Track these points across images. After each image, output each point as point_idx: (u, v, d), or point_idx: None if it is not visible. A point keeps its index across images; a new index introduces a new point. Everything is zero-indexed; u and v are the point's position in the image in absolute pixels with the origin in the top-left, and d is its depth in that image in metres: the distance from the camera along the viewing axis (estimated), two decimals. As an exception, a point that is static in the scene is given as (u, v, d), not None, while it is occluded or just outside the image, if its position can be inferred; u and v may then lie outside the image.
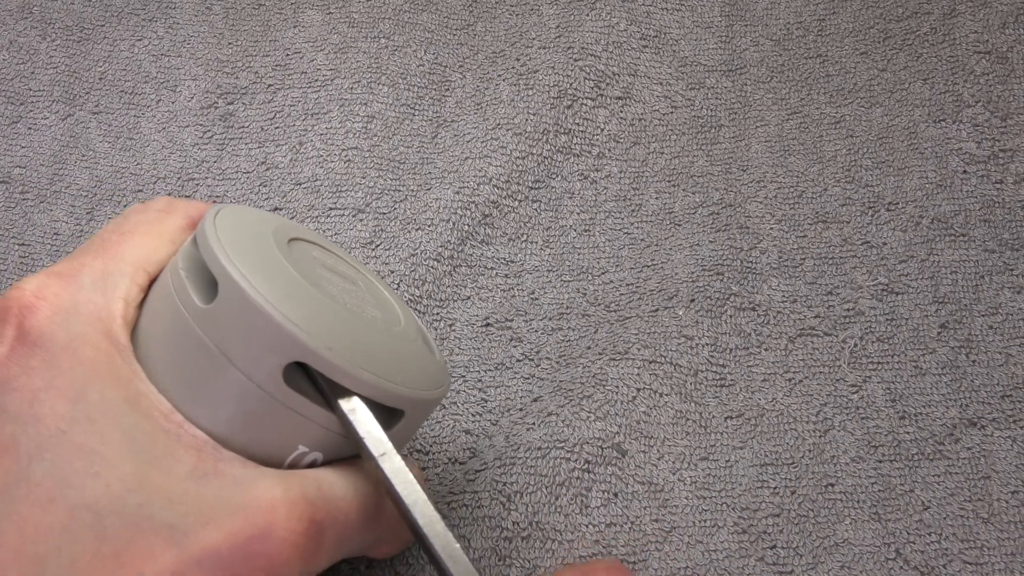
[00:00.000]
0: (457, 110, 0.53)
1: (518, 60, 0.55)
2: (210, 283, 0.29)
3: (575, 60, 0.54)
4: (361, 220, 0.49)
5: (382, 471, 0.28)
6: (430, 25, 0.56)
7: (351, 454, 0.31)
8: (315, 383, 0.29)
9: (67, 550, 0.25)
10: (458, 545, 0.26)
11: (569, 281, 0.48)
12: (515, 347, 0.46)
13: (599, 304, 0.47)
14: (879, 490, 0.42)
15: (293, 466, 0.30)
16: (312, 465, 0.30)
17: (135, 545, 0.25)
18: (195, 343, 0.28)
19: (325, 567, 0.29)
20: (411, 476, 0.28)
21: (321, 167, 0.51)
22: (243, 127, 0.53)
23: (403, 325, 0.34)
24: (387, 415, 0.31)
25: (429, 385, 0.32)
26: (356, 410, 0.28)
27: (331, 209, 0.49)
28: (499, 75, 0.54)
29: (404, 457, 0.33)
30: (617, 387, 0.44)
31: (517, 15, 0.57)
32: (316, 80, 0.54)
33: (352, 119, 0.53)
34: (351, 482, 0.30)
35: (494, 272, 0.48)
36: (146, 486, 0.26)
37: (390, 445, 0.28)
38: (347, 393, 0.29)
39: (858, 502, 0.41)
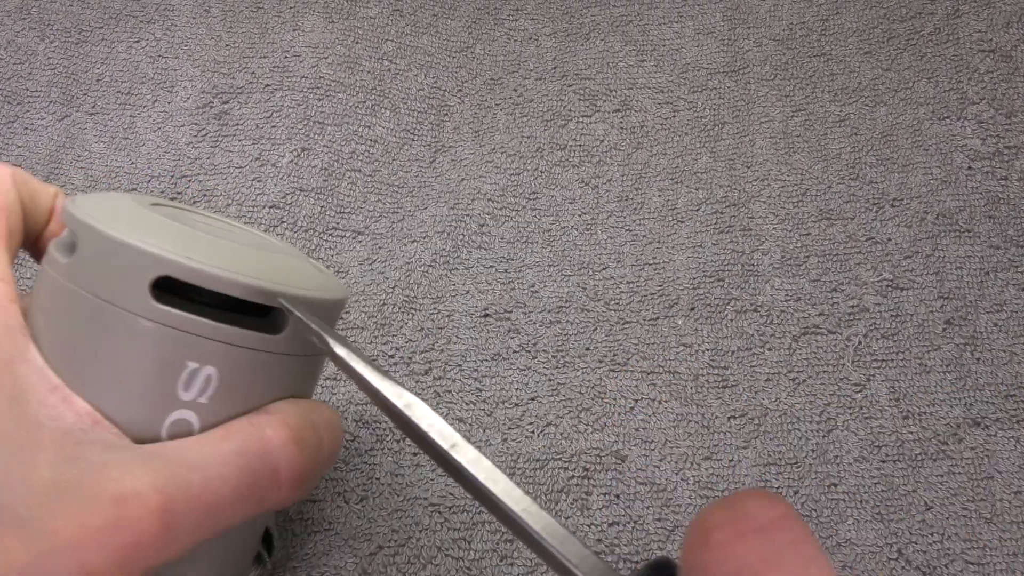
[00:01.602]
0: (455, 136, 0.53)
1: (515, 90, 0.55)
2: (74, 245, 0.30)
3: (568, 86, 0.55)
4: (360, 241, 0.49)
5: (459, 464, 0.26)
6: (430, 48, 0.57)
7: (251, 364, 0.31)
8: (192, 300, 0.29)
9: None
10: (577, 541, 0.24)
11: (570, 275, 0.48)
12: (512, 338, 0.46)
13: (599, 300, 0.47)
14: (882, 490, 0.41)
15: (190, 385, 0.30)
16: (208, 382, 0.30)
17: None
18: (68, 297, 0.29)
19: (190, 547, 0.29)
20: (487, 463, 0.26)
21: (325, 181, 0.51)
22: (238, 124, 0.53)
23: (281, 247, 0.34)
24: (269, 315, 0.31)
25: (312, 287, 0.32)
26: (412, 405, 0.27)
27: (333, 229, 0.50)
28: (496, 104, 0.54)
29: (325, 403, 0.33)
30: (615, 399, 0.44)
31: (515, 41, 0.57)
32: (319, 87, 0.54)
33: (356, 140, 0.53)
34: (219, 460, 0.29)
35: (493, 269, 0.48)
36: (5, 480, 0.26)
37: (458, 436, 0.27)
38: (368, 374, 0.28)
39: (861, 502, 0.41)
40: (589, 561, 0.23)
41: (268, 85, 0.54)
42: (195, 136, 0.52)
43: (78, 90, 0.55)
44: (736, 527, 0.19)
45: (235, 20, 0.57)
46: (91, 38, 0.57)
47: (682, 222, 0.49)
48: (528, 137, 0.53)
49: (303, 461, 0.31)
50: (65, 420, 0.29)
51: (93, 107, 0.54)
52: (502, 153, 0.52)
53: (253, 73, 0.55)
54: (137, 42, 0.57)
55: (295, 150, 0.52)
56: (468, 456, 0.26)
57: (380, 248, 0.49)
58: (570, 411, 0.44)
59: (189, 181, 0.51)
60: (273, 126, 0.53)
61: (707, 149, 0.52)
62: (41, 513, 0.26)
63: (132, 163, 0.52)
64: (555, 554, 0.23)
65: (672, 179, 0.51)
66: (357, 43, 0.56)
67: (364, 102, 0.54)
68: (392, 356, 0.45)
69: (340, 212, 0.50)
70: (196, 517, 0.28)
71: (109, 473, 0.27)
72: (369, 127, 0.53)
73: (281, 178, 0.51)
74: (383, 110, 0.54)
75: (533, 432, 0.43)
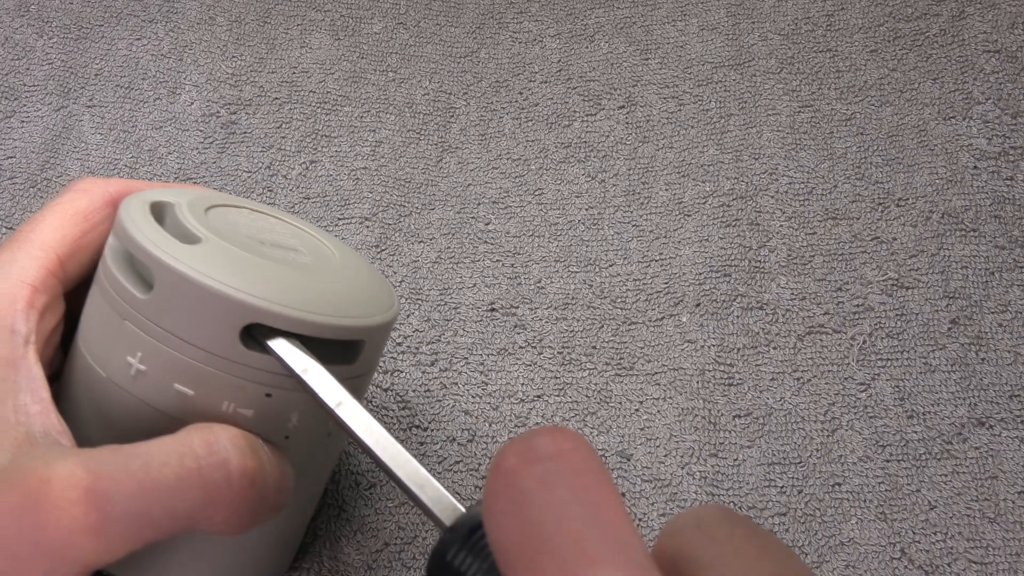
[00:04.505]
0: (461, 137, 0.53)
1: (520, 93, 0.55)
2: (142, 272, 0.30)
3: (572, 88, 0.55)
4: (368, 227, 0.49)
5: (342, 421, 0.28)
6: (434, 56, 0.57)
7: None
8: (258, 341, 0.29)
9: None
10: (431, 476, 0.26)
11: (576, 272, 0.48)
12: (519, 334, 0.46)
13: (605, 297, 0.47)
14: (886, 489, 0.41)
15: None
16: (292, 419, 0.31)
17: None
18: (144, 331, 0.29)
19: (134, 544, 0.27)
20: (373, 420, 0.28)
21: (331, 185, 0.51)
22: (246, 133, 0.53)
23: (338, 259, 0.34)
24: (346, 348, 0.31)
25: (373, 312, 0.32)
26: (308, 370, 0.29)
27: (339, 219, 0.50)
28: (502, 107, 0.54)
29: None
30: (620, 403, 0.44)
31: (520, 43, 0.57)
32: (327, 102, 0.54)
33: (361, 144, 0.53)
34: (163, 448, 0.28)
35: (500, 264, 0.48)
36: None
37: (346, 394, 0.28)
38: (298, 352, 0.29)
39: (865, 501, 0.41)
40: (443, 502, 0.26)
41: (277, 98, 0.54)
42: (201, 142, 0.52)
43: (76, 83, 0.54)
44: (524, 456, 0.20)
45: (241, 33, 0.57)
46: (91, 35, 0.56)
47: (689, 216, 0.49)
48: (533, 141, 0.53)
49: (257, 465, 0.29)
50: (33, 426, 0.28)
51: (91, 100, 0.54)
52: (508, 159, 0.52)
53: (261, 87, 0.55)
54: (139, 39, 0.56)
55: (304, 163, 0.52)
56: (352, 412, 0.28)
57: (388, 239, 0.49)
58: (576, 414, 0.44)
59: (195, 183, 0.51)
60: (283, 136, 0.53)
61: (713, 141, 0.52)
62: None
63: (133, 158, 0.51)
64: (419, 497, 0.26)
65: (679, 172, 0.51)
66: (362, 58, 0.56)
67: (369, 111, 0.54)
68: (400, 344, 0.45)
69: (345, 204, 0.50)
70: (133, 504, 0.26)
71: (43, 460, 0.26)
72: (373, 131, 0.53)
73: (291, 189, 0.51)
74: (388, 115, 0.54)
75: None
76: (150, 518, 0.27)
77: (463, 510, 0.25)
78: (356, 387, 0.33)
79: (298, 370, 0.28)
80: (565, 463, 0.20)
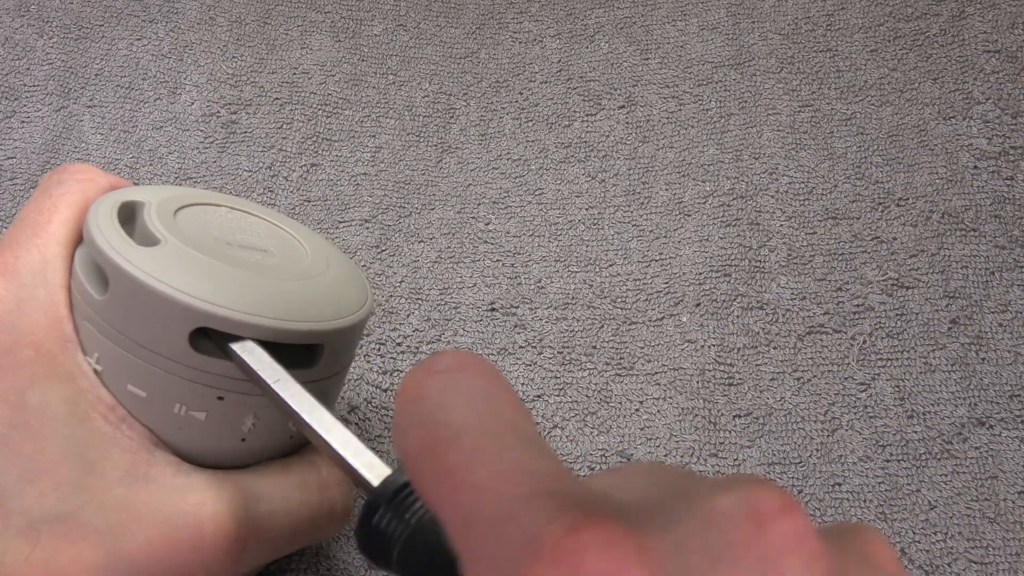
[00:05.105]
0: (461, 137, 0.53)
1: (520, 94, 0.55)
2: (102, 273, 0.30)
3: (572, 88, 0.55)
4: (368, 229, 0.49)
5: (278, 395, 0.28)
6: (434, 57, 0.57)
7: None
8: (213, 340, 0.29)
9: None
10: (360, 443, 0.26)
11: (576, 272, 0.48)
12: (519, 333, 0.46)
13: (605, 297, 0.47)
14: (886, 489, 0.41)
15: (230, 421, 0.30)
16: (246, 422, 0.31)
17: (66, 551, 0.26)
18: (100, 332, 0.29)
19: (253, 566, 0.31)
20: (308, 395, 0.28)
21: (331, 189, 0.51)
22: (246, 133, 0.53)
23: (309, 260, 0.34)
24: (305, 351, 0.31)
25: (335, 315, 0.32)
26: (250, 351, 0.29)
27: (340, 223, 0.50)
28: (502, 107, 0.54)
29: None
30: (621, 402, 0.44)
31: (520, 43, 0.57)
32: (327, 104, 0.54)
33: (361, 150, 0.53)
34: (283, 493, 0.31)
35: (500, 263, 0.48)
36: (80, 493, 0.27)
37: (284, 372, 0.28)
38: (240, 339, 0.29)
39: (865, 501, 0.41)
40: (376, 469, 0.25)
41: (277, 99, 0.54)
42: (202, 142, 0.52)
43: (76, 84, 0.54)
44: (426, 371, 0.21)
45: (242, 33, 0.57)
46: (91, 35, 0.56)
47: (689, 215, 0.49)
48: (533, 141, 0.53)
49: (350, 502, 0.33)
50: (132, 440, 0.29)
51: (91, 100, 0.53)
52: (508, 159, 0.52)
53: (262, 88, 0.55)
54: (139, 40, 0.56)
55: (304, 166, 0.52)
56: (291, 390, 0.28)
57: (388, 240, 0.49)
58: (576, 414, 0.44)
59: (195, 183, 0.50)
60: (284, 138, 0.53)
61: (714, 141, 0.52)
62: (120, 529, 0.27)
63: (133, 158, 0.51)
64: (350, 463, 0.26)
65: (679, 172, 0.51)
66: (363, 61, 0.56)
67: (369, 116, 0.54)
68: (400, 344, 0.45)
69: (345, 208, 0.50)
70: (261, 546, 0.30)
71: (187, 498, 0.29)
72: (374, 136, 0.53)
73: (291, 191, 0.51)
74: (388, 119, 0.54)
75: (539, 433, 0.43)
76: (268, 555, 0.31)
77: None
78: (322, 390, 0.33)
79: (240, 352, 0.29)
80: (466, 372, 0.20)
